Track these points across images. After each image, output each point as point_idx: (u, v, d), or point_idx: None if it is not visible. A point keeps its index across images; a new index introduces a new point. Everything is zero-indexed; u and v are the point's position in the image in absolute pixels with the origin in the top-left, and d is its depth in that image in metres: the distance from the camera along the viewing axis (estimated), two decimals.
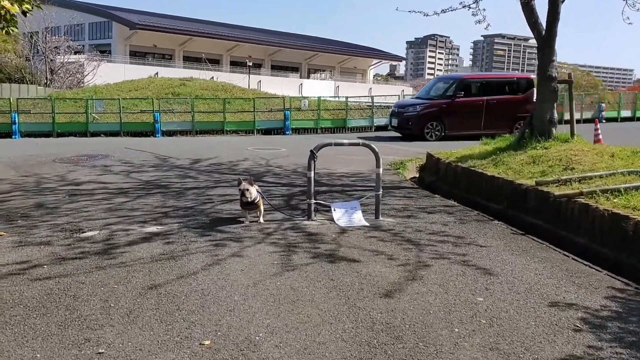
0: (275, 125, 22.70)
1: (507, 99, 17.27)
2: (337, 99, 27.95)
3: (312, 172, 5.86)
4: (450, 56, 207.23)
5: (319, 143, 5.93)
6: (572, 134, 8.21)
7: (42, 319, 3.38)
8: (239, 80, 41.06)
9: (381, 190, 6.06)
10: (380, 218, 6.03)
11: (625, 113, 27.65)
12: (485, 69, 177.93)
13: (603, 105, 26.88)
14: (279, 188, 8.08)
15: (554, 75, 8.16)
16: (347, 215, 5.92)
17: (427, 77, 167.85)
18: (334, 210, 5.98)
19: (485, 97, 17.16)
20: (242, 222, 5.79)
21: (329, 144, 5.92)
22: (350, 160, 11.06)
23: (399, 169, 10.29)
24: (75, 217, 6.17)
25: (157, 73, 41.44)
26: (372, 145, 5.99)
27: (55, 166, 10.57)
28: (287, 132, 22.26)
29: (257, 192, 5.74)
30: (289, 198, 7.33)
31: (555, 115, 8.26)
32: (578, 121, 25.72)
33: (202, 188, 8.08)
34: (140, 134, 21.35)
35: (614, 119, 26.91)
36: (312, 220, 5.90)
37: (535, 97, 8.52)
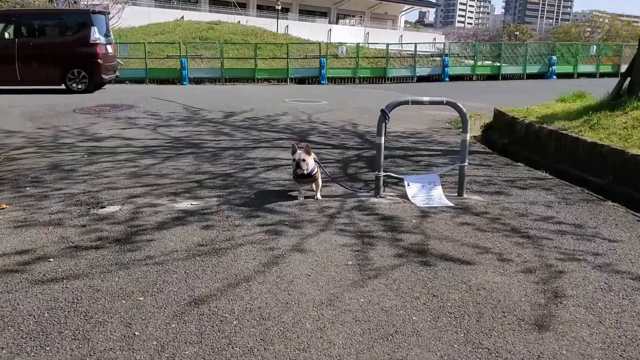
0: (310, 73, 21.37)
1: (53, 41, 13.57)
2: (367, 45, 26.19)
3: (383, 139, 4.69)
4: (482, 3, 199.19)
5: (391, 101, 4.73)
6: None
7: (38, 356, 2.36)
8: (266, 24, 39.25)
9: (467, 161, 4.87)
10: (465, 195, 4.88)
11: None
12: (518, 17, 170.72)
13: None
14: (330, 151, 6.93)
15: None
16: (424, 192, 4.78)
17: (457, 24, 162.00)
18: (408, 185, 4.83)
19: (18, 39, 13.28)
20: (296, 197, 4.70)
21: (405, 102, 4.72)
22: (402, 116, 9.82)
23: (460, 127, 9.03)
24: (93, 184, 5.14)
25: (182, 17, 39.91)
26: (459, 105, 4.77)
27: (75, 117, 9.56)
28: (322, 82, 20.94)
29: (315, 162, 4.62)
30: (345, 165, 6.19)
31: None
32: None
33: (239, 148, 6.98)
34: (167, 81, 20.26)
35: None
36: (380, 197, 4.77)
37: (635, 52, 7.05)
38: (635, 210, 4.71)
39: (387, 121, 4.69)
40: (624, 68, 23.52)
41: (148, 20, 32.87)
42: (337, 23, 64.83)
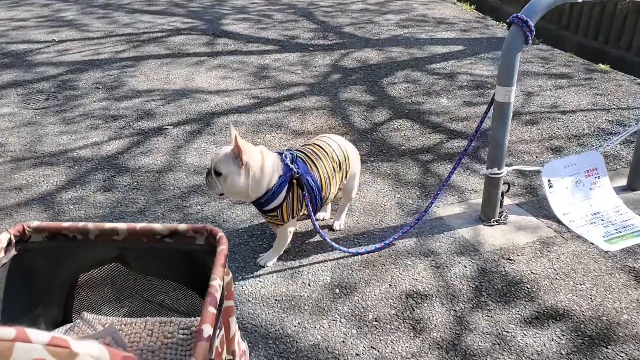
0: None
1: None
2: None
3: (511, 107, 1.89)
4: None
5: None
6: None
7: None
8: None
9: None
10: None
11: None
12: None
13: None
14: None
15: None
16: (581, 197, 2.15)
17: None
18: (551, 186, 2.14)
19: None
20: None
21: None
22: None
23: None
24: None
25: None
26: None
27: None
28: None
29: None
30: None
31: None
32: None
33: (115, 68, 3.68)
34: None
35: None
36: (497, 221, 2.08)
37: None
38: None
39: (528, 44, 1.84)
40: None
41: None
42: None
